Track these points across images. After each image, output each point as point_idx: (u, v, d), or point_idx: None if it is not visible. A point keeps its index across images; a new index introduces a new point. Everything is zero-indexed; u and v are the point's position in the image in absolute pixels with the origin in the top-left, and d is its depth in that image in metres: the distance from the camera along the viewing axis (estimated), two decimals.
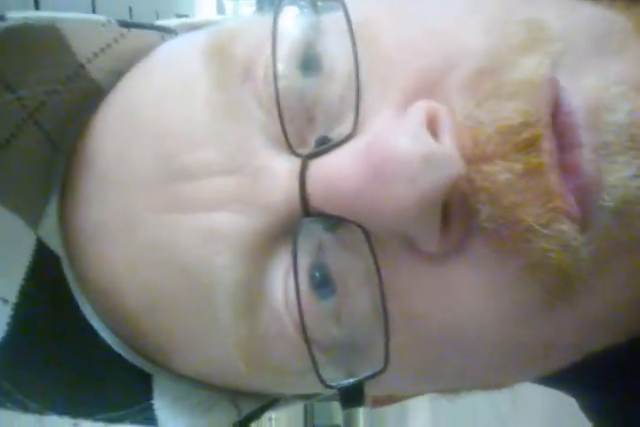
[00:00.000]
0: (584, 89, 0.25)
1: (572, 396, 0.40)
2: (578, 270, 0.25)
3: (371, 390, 0.29)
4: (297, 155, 0.26)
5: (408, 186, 0.23)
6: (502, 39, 0.26)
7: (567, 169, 0.24)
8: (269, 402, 0.35)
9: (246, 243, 0.26)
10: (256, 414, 0.34)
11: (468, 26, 0.27)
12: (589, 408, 0.39)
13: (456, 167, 0.24)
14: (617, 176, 0.24)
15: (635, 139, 0.24)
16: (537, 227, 0.24)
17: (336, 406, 0.31)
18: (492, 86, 0.25)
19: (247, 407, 0.34)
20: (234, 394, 0.33)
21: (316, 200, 0.25)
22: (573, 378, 0.30)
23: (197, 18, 0.37)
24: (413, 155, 0.23)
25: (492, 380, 0.32)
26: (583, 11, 0.28)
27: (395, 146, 0.24)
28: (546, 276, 0.25)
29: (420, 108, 0.25)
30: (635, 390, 0.34)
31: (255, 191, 0.26)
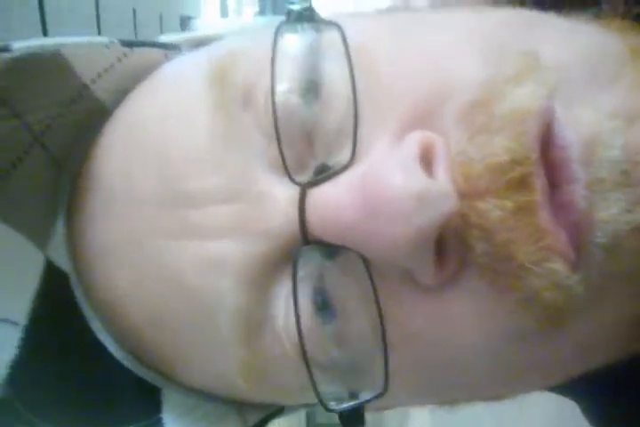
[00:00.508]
0: (579, 122, 0.25)
1: (574, 400, 0.40)
2: (571, 305, 0.25)
3: (371, 407, 0.29)
4: (296, 183, 0.26)
5: (401, 223, 0.23)
6: (497, 70, 0.26)
7: (559, 206, 0.24)
8: (274, 411, 0.35)
9: (248, 270, 0.27)
10: (262, 423, 0.34)
11: (466, 56, 0.27)
12: (591, 412, 0.39)
13: (450, 203, 0.24)
14: (608, 213, 0.24)
15: (626, 175, 0.24)
16: (529, 265, 0.24)
17: None
18: (482, 120, 0.25)
19: (253, 417, 0.34)
20: (240, 405, 0.33)
21: (315, 229, 0.25)
22: (575, 383, 0.30)
23: (202, 31, 0.37)
24: (407, 193, 0.23)
25: (489, 394, 0.32)
26: (579, 39, 0.28)
27: (388, 182, 0.24)
28: (538, 310, 0.25)
29: (414, 140, 0.25)
30: (637, 395, 0.34)
31: (255, 218, 0.26)
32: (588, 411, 0.39)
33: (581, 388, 0.33)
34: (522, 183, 0.24)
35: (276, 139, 0.26)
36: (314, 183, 0.26)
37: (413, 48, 0.28)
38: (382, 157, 0.25)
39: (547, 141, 0.24)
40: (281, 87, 0.27)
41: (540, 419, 0.91)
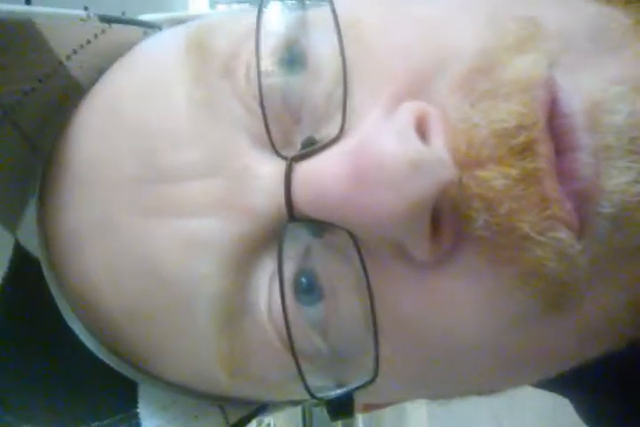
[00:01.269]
0: (582, 89, 0.24)
1: (566, 397, 0.40)
2: (574, 279, 0.24)
3: (361, 399, 0.28)
4: (282, 157, 0.25)
5: (394, 193, 0.22)
6: (496, 37, 0.25)
7: (564, 174, 0.23)
8: (258, 408, 0.34)
9: (229, 251, 0.25)
10: (244, 421, 0.33)
11: (461, 24, 0.26)
12: (584, 410, 0.39)
13: (447, 172, 0.23)
14: (615, 182, 0.23)
15: (634, 142, 0.23)
16: (533, 235, 0.23)
17: None
18: (485, 86, 0.24)
19: (235, 414, 0.33)
20: (221, 401, 0.32)
21: (301, 205, 0.24)
22: (567, 380, 0.30)
23: (183, 12, 0.36)
24: (400, 160, 0.22)
25: (486, 386, 0.31)
26: (580, 7, 0.27)
27: (381, 150, 0.23)
28: (541, 284, 0.24)
29: (407, 109, 0.24)
30: (630, 393, 0.34)
31: (238, 195, 0.25)
32: (580, 408, 0.39)
33: (573, 384, 0.33)
34: (527, 150, 0.23)
35: (259, 111, 0.25)
36: (301, 157, 0.25)
37: (405, 18, 0.27)
38: (374, 128, 0.24)
39: (551, 110, 0.24)
40: (264, 59, 0.25)
41: (537, 417, 0.91)
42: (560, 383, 0.32)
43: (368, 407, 0.34)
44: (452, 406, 0.33)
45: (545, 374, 0.30)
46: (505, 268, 0.24)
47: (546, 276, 0.24)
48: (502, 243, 0.24)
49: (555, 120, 0.24)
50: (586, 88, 0.24)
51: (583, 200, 0.23)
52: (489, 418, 1.06)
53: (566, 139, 0.24)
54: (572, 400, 0.40)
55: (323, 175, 0.24)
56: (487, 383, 0.30)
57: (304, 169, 0.24)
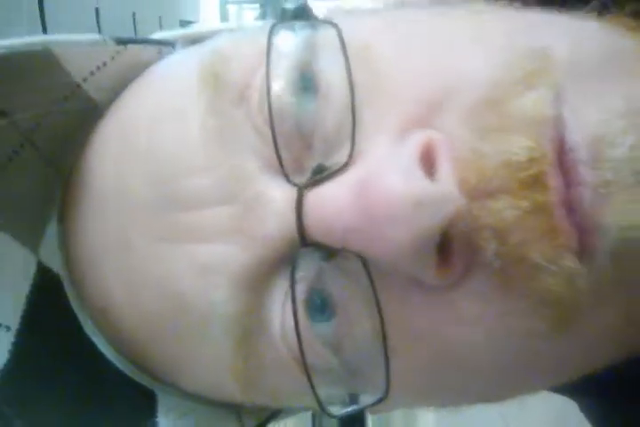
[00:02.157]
0: (586, 123, 0.24)
1: (574, 399, 0.40)
2: (578, 302, 0.24)
3: (371, 409, 0.29)
4: (293, 184, 0.25)
5: (399, 229, 0.23)
6: (506, 71, 0.25)
7: (568, 206, 0.24)
8: (272, 413, 0.35)
9: (243, 276, 0.26)
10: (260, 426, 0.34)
11: (472, 55, 0.26)
12: (591, 412, 0.39)
13: (451, 206, 0.23)
14: (614, 218, 0.24)
15: (636, 175, 0.24)
16: (544, 263, 0.24)
17: None
18: (495, 119, 0.24)
19: (251, 421, 0.33)
20: (237, 408, 0.33)
21: (312, 231, 0.25)
22: (575, 382, 0.30)
23: (197, 28, 0.37)
24: (405, 197, 0.23)
25: (494, 396, 0.31)
26: (593, 35, 0.28)
27: (386, 186, 0.23)
28: (550, 309, 0.25)
29: (415, 140, 0.24)
30: (636, 394, 0.34)
31: (251, 221, 0.26)
32: (587, 410, 0.39)
33: (581, 387, 0.33)
34: (537, 183, 0.24)
35: (271, 138, 0.26)
36: (311, 184, 0.25)
37: (416, 46, 0.27)
38: (381, 159, 0.25)
39: (558, 145, 0.24)
40: (276, 86, 0.26)
41: (545, 419, 0.91)
42: (568, 387, 0.32)
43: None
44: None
45: (549, 383, 0.31)
46: (515, 293, 0.25)
47: (554, 301, 0.24)
48: (513, 271, 0.24)
49: (562, 155, 0.24)
50: (589, 122, 0.24)
51: (583, 234, 0.24)
52: (497, 418, 1.06)
53: (570, 173, 0.24)
54: (578, 402, 0.40)
55: (332, 204, 0.24)
56: (495, 394, 0.31)
57: (314, 196, 0.25)
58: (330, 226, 0.24)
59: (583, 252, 0.24)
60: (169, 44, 0.35)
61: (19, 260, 0.30)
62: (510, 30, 0.28)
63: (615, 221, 0.24)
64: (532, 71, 0.25)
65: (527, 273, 0.24)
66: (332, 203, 0.24)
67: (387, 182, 0.23)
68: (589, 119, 0.24)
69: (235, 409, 0.33)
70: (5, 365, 0.29)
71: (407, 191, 0.23)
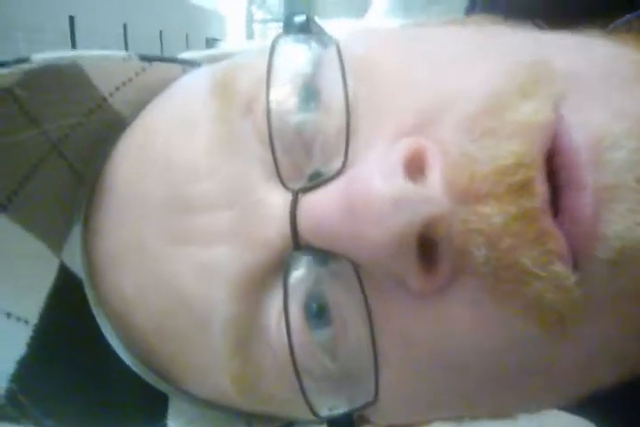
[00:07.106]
0: (587, 126, 0.24)
1: (590, 420, 0.39)
2: (570, 308, 0.24)
3: (374, 418, 0.29)
4: (289, 189, 0.26)
5: (378, 227, 0.24)
6: (506, 82, 0.26)
7: (562, 212, 0.24)
8: (285, 425, 0.34)
9: (240, 279, 0.27)
10: None
11: (472, 68, 0.27)
12: None
13: (431, 207, 0.24)
14: (614, 228, 0.23)
15: (637, 180, 0.23)
16: (534, 269, 0.24)
17: None
18: (489, 125, 0.25)
19: None
20: (247, 417, 0.33)
21: (305, 234, 0.26)
22: (589, 402, 0.30)
23: (223, 48, 0.38)
24: (383, 197, 0.24)
25: (495, 409, 0.31)
26: (594, 47, 0.28)
27: (367, 188, 0.24)
28: (541, 314, 0.24)
29: (402, 145, 0.25)
30: None
31: (249, 225, 0.27)
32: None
33: (595, 407, 0.33)
34: (524, 188, 0.24)
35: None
36: (306, 189, 0.26)
37: (417, 59, 0.28)
38: (370, 164, 0.25)
39: (553, 150, 0.24)
40: (276, 95, 0.27)
41: None
42: (581, 405, 0.31)
43: None
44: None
45: (554, 399, 0.31)
46: (505, 299, 0.25)
47: (545, 306, 0.24)
48: (503, 277, 0.24)
49: (555, 157, 0.24)
50: (591, 125, 0.24)
51: (578, 242, 0.24)
52: None
53: (566, 175, 0.24)
54: (595, 422, 0.40)
55: (321, 207, 0.25)
56: (495, 406, 0.30)
57: (307, 201, 0.26)
58: (319, 228, 0.25)
59: (577, 258, 0.24)
60: (194, 65, 0.36)
61: (42, 259, 0.32)
62: (512, 44, 0.28)
63: (614, 228, 0.24)
64: (532, 82, 0.25)
65: (517, 278, 0.24)
66: (320, 206, 0.25)
67: (368, 183, 0.24)
68: (591, 121, 0.24)
69: (245, 418, 0.33)
70: (24, 358, 0.30)
71: (385, 191, 0.24)
